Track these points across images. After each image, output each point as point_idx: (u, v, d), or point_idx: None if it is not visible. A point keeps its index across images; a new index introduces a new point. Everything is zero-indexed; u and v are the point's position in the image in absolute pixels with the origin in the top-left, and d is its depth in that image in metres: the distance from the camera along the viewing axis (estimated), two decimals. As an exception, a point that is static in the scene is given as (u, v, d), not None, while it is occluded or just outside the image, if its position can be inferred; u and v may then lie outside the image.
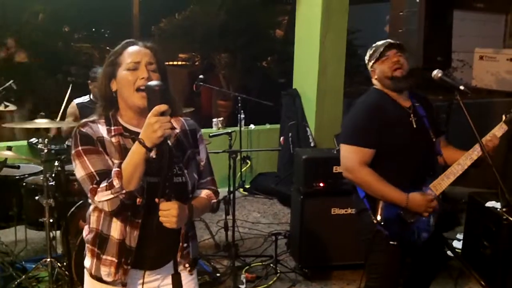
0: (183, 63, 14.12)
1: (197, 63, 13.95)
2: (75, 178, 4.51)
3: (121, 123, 2.34)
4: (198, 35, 12.37)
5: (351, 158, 3.28)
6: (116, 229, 2.31)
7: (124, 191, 2.13)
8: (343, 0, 7.46)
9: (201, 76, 5.72)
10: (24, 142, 6.29)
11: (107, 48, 15.79)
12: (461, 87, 3.12)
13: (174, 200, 2.19)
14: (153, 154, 2.13)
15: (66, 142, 5.28)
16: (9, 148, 4.55)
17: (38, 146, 4.37)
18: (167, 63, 14.24)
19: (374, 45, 3.50)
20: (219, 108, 12.09)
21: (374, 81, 3.47)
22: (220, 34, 12.21)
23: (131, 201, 2.18)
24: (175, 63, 14.15)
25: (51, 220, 4.35)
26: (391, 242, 3.23)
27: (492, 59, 14.95)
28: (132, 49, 2.34)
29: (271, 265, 5.06)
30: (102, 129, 2.31)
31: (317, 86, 7.46)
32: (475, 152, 3.24)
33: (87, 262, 2.44)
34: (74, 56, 13.05)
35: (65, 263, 4.36)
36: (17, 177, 4.78)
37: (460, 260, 5.07)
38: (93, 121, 2.34)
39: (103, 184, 2.16)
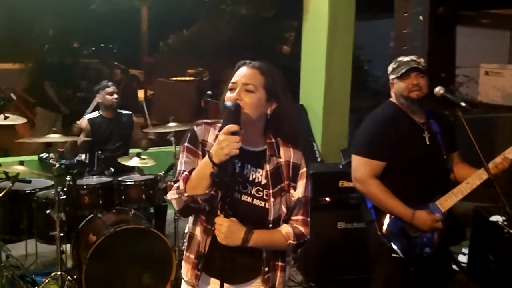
0: (191, 78, 14.23)
1: (205, 78, 14.07)
2: (85, 192, 4.67)
3: None
4: (205, 50, 12.49)
5: (362, 170, 3.35)
6: (198, 230, 2.43)
7: (186, 194, 2.23)
8: (349, 16, 7.52)
9: (209, 92, 5.80)
10: (35, 157, 6.37)
11: (115, 63, 15.95)
12: (462, 104, 3.19)
13: (232, 218, 2.27)
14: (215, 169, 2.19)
15: (76, 157, 5.36)
16: (21, 163, 4.63)
17: (50, 161, 4.45)
18: (174, 78, 14.37)
19: (399, 59, 3.50)
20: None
21: (392, 94, 3.52)
22: (228, 50, 12.31)
23: (197, 206, 2.27)
24: (183, 78, 14.27)
25: (61, 234, 4.43)
26: (394, 255, 3.29)
27: (498, 74, 15.00)
28: (238, 70, 2.42)
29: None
30: (211, 133, 2.41)
31: (323, 102, 7.50)
32: (486, 172, 3.26)
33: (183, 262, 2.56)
34: (83, 71, 13.18)
35: (75, 276, 4.44)
36: (28, 191, 4.86)
37: (466, 274, 5.10)
38: (209, 123, 2.45)
39: (176, 184, 2.29)
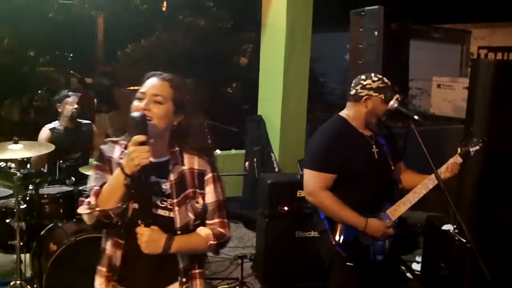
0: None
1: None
2: (46, 201, 4.66)
3: None
4: (163, 60, 12.49)
5: (313, 183, 3.43)
6: (108, 244, 2.46)
7: (98, 209, 2.24)
8: (306, 29, 7.67)
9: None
10: (-9, 166, 6.30)
11: (71, 72, 15.80)
12: (416, 117, 3.33)
13: (153, 227, 2.29)
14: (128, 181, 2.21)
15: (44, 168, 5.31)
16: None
17: (9, 170, 4.43)
18: (131, 88, 14.32)
19: (385, 79, 3.47)
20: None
21: (354, 107, 3.51)
22: (186, 61, 12.34)
23: (109, 221, 2.27)
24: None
25: (21, 243, 4.41)
26: (348, 263, 3.41)
27: (449, 87, 15.45)
28: (148, 81, 2.43)
29: (237, 287, 5.18)
30: (117, 150, 2.44)
31: (281, 112, 7.63)
32: (431, 182, 3.43)
33: None
34: (39, 80, 13.05)
35: (35, 286, 4.43)
36: (-15, 201, 4.82)
37: (419, 281, 5.26)
38: (115, 142, 2.48)
39: (87, 199, 2.29)
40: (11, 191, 4.89)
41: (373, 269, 3.51)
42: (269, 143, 7.75)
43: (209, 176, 2.49)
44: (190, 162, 2.47)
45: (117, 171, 2.24)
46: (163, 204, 2.39)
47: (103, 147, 2.47)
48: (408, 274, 5.37)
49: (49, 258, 4.20)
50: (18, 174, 4.35)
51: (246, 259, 5.41)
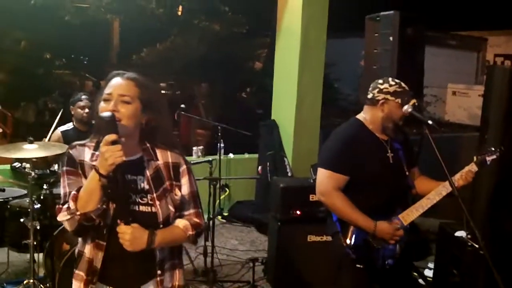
0: (163, 92, 14.28)
1: (177, 92, 14.13)
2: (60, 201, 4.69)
3: None
4: (178, 65, 12.56)
5: (326, 182, 3.43)
6: (87, 248, 2.44)
7: (78, 213, 2.24)
8: (321, 34, 7.68)
9: (182, 105, 5.89)
10: (7, 166, 6.36)
11: (86, 75, 15.90)
12: (429, 122, 3.32)
13: (133, 224, 2.31)
14: (105, 181, 2.22)
15: (51, 167, 5.37)
16: (-5, 172, 4.65)
17: (24, 170, 4.48)
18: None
19: (402, 84, 3.48)
20: (197, 137, 12.24)
21: (371, 110, 3.53)
22: (200, 65, 12.39)
23: (90, 223, 2.29)
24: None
25: (34, 243, 4.44)
26: (357, 265, 3.40)
27: (465, 95, 15.38)
28: (112, 81, 2.41)
29: (248, 290, 5.19)
30: (87, 153, 2.43)
31: (294, 118, 7.64)
32: (444, 189, 3.41)
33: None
34: (55, 82, 13.15)
35: (48, 285, 4.46)
36: (1, 200, 4.86)
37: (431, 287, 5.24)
38: (83, 144, 2.46)
39: (65, 206, 2.29)
40: (25, 191, 4.94)
41: (383, 273, 3.50)
42: (282, 148, 7.77)
43: (183, 167, 2.53)
44: (164, 156, 2.50)
45: (92, 173, 2.24)
46: (144, 200, 2.42)
47: (71, 151, 2.44)
48: (421, 281, 5.35)
49: (62, 257, 4.22)
50: (33, 174, 4.39)
51: (258, 262, 5.44)
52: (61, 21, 12.50)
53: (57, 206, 2.34)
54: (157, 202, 2.42)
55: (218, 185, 5.69)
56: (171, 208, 2.47)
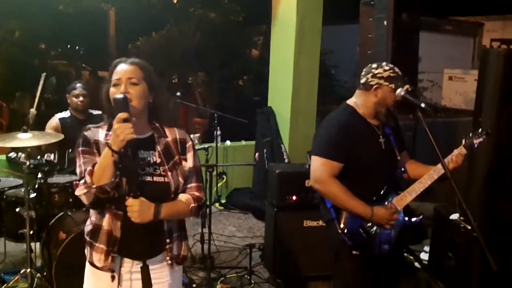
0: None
1: (174, 81, 14.10)
2: (56, 190, 4.70)
3: None
4: (174, 54, 12.52)
5: (321, 170, 3.41)
6: (105, 220, 2.63)
7: (94, 186, 2.43)
8: (316, 22, 7.68)
9: (178, 94, 5.88)
10: (3, 157, 6.37)
11: (83, 65, 15.85)
12: (422, 105, 3.30)
13: (141, 197, 2.48)
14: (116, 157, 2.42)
15: (45, 157, 5.36)
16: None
17: (20, 160, 4.47)
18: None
19: (396, 69, 3.45)
20: (195, 126, 12.24)
21: (359, 93, 3.52)
22: (197, 54, 12.36)
23: (105, 195, 2.48)
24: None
25: (31, 232, 4.45)
26: (354, 252, 3.41)
27: (461, 80, 15.36)
28: (118, 67, 2.65)
29: (246, 276, 5.21)
30: (101, 134, 2.65)
31: (291, 105, 7.65)
32: (436, 172, 3.42)
33: (86, 250, 2.75)
34: (51, 73, 13.11)
35: (45, 274, 4.47)
36: (-3, 190, 4.87)
37: (427, 271, 5.27)
38: (97, 127, 2.70)
39: (82, 181, 2.49)
40: (21, 181, 4.95)
41: (380, 259, 3.51)
42: (279, 135, 7.79)
43: (189, 144, 2.80)
44: (172, 133, 2.77)
45: (105, 150, 2.44)
46: (157, 171, 2.64)
47: (86, 133, 2.65)
48: (417, 264, 5.38)
49: (59, 247, 4.24)
50: (28, 163, 4.39)
51: (255, 249, 5.46)
52: (55, 10, 12.45)
53: (74, 183, 2.55)
54: (169, 173, 2.65)
55: (214, 172, 5.70)
56: (181, 180, 2.70)
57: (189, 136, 2.83)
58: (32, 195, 4.52)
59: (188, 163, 2.76)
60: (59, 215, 4.64)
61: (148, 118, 2.71)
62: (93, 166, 2.46)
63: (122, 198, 2.53)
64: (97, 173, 2.43)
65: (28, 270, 4.45)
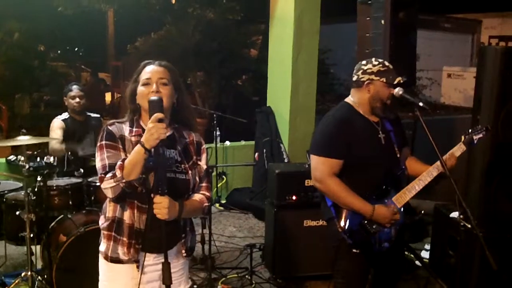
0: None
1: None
2: (55, 193, 4.71)
3: (142, 126, 2.77)
4: (173, 54, 12.50)
5: (321, 169, 3.42)
6: (127, 215, 2.73)
7: (124, 181, 2.53)
8: (315, 21, 7.68)
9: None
10: (2, 160, 6.38)
11: (82, 66, 15.85)
12: (420, 104, 3.32)
13: (167, 195, 2.55)
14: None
15: (44, 159, 5.36)
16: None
17: (19, 163, 4.47)
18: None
19: (386, 63, 3.49)
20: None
21: (354, 91, 3.55)
22: (195, 53, 12.35)
23: (131, 190, 2.60)
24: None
25: (31, 235, 4.45)
26: (354, 250, 3.41)
27: (460, 77, 15.37)
28: (148, 68, 2.79)
29: (247, 276, 5.21)
30: (125, 129, 2.77)
31: (290, 104, 7.65)
32: (435, 169, 3.43)
33: (103, 246, 2.82)
34: (50, 74, 13.12)
35: (45, 276, 4.47)
36: (-3, 193, 4.87)
37: (427, 269, 5.27)
38: (120, 122, 2.81)
39: (109, 174, 2.58)
40: (21, 184, 4.95)
41: (379, 257, 3.52)
42: (279, 134, 7.79)
43: (204, 146, 2.95)
44: (190, 136, 2.91)
45: (137, 147, 2.52)
46: (179, 169, 2.77)
47: (110, 127, 2.75)
48: (417, 262, 5.38)
49: (59, 249, 4.25)
50: (27, 166, 4.40)
51: (256, 249, 5.46)
52: (54, 12, 12.43)
53: (99, 176, 2.64)
54: (189, 171, 2.80)
55: (214, 173, 5.71)
56: (197, 179, 2.86)
57: (203, 139, 2.96)
58: (32, 198, 4.51)
59: (202, 163, 2.91)
60: (59, 217, 4.65)
61: (170, 118, 2.81)
62: (123, 160, 2.55)
63: (147, 193, 2.63)
64: (127, 168, 2.52)
65: (29, 272, 4.45)
